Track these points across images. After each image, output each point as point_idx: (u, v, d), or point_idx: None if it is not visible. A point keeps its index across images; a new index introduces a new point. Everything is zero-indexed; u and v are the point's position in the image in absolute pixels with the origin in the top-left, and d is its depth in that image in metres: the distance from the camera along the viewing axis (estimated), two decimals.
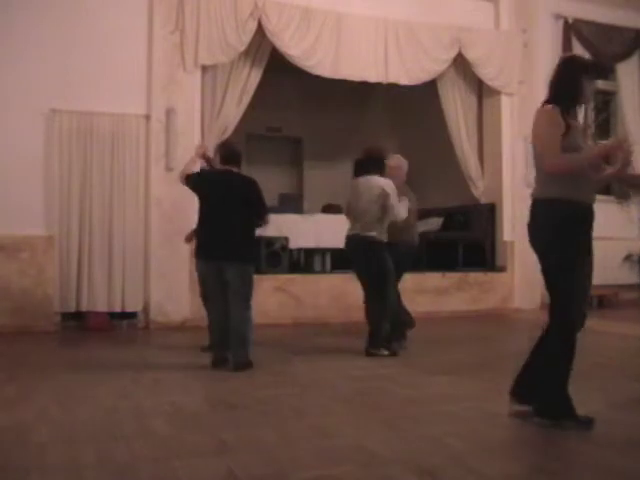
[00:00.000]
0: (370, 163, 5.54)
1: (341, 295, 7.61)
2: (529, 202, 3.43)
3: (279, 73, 8.22)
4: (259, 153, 10.77)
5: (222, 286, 4.75)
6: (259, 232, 5.16)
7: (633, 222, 9.23)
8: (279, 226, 7.39)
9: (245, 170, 5.37)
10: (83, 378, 4.48)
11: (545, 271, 3.34)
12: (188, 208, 6.33)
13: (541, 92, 10.28)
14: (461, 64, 8.65)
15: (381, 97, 10.93)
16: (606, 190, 9.67)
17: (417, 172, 11.26)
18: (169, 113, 7.04)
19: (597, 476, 2.70)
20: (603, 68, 9.50)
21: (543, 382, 3.31)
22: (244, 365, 4.69)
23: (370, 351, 5.34)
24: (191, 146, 6.79)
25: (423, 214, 10.28)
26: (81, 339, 6.41)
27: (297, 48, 7.68)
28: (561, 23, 9.22)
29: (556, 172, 3.22)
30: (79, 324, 6.83)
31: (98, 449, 2.96)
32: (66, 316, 6.84)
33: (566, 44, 9.19)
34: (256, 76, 7.72)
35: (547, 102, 3.36)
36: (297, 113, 10.93)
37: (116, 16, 6.96)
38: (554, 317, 3.31)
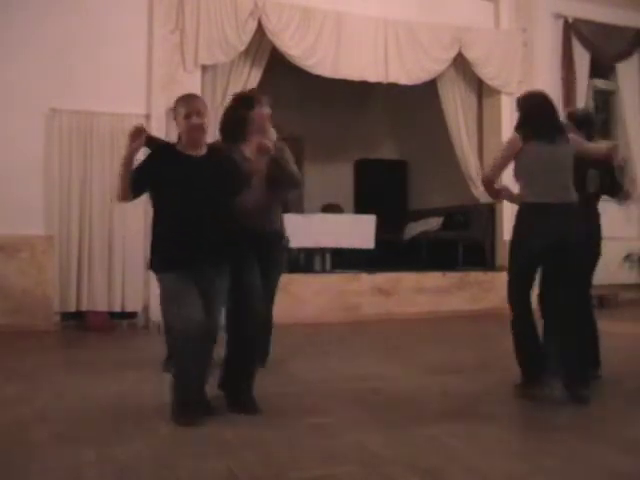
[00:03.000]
0: None
1: (341, 295, 7.61)
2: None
3: (279, 73, 8.21)
4: None
5: None
6: None
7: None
8: None
9: None
10: (83, 378, 4.48)
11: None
12: None
13: None
14: (461, 64, 8.65)
15: (381, 97, 10.93)
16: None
17: (417, 172, 11.39)
18: (169, 113, 7.03)
19: (597, 476, 2.70)
20: None
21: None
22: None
23: None
24: None
25: (423, 214, 10.36)
26: (81, 339, 6.41)
27: (297, 48, 7.68)
28: (561, 22, 9.20)
29: None
30: (79, 324, 6.83)
31: (98, 449, 2.96)
32: (66, 316, 6.83)
33: (566, 44, 9.18)
34: (256, 76, 7.72)
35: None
36: (297, 113, 10.91)
37: (116, 16, 6.95)
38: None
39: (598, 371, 4.34)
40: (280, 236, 3.99)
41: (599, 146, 4.28)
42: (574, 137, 3.98)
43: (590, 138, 4.35)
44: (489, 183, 3.99)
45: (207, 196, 3.38)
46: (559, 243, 3.80)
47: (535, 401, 3.81)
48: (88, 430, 3.28)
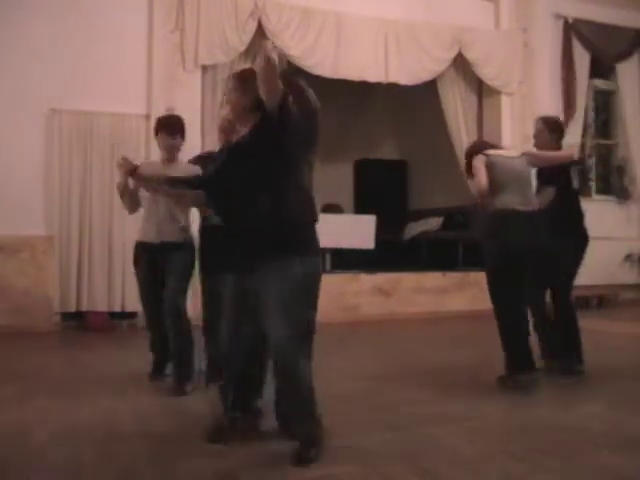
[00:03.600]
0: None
1: (341, 295, 7.61)
2: None
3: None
4: None
5: None
6: None
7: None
8: None
9: None
10: (83, 378, 4.48)
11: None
12: None
13: (541, 92, 10.30)
14: (461, 64, 8.65)
15: (381, 97, 10.92)
16: (606, 190, 9.71)
17: (417, 172, 11.39)
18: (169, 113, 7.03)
19: (596, 476, 2.70)
20: None
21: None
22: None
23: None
24: (192, 146, 6.79)
25: (423, 214, 10.36)
26: (81, 339, 6.41)
27: (297, 48, 7.68)
28: (561, 23, 9.20)
29: None
30: (79, 324, 6.83)
31: (98, 449, 2.96)
32: (66, 316, 6.83)
33: (566, 44, 9.18)
34: None
35: None
36: None
37: (116, 16, 6.96)
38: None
39: (581, 366, 4.49)
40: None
41: (563, 152, 4.70)
42: (532, 154, 4.50)
43: (559, 143, 4.77)
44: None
45: (231, 188, 2.98)
46: (532, 246, 4.11)
47: (519, 388, 3.99)
48: (88, 430, 3.28)
